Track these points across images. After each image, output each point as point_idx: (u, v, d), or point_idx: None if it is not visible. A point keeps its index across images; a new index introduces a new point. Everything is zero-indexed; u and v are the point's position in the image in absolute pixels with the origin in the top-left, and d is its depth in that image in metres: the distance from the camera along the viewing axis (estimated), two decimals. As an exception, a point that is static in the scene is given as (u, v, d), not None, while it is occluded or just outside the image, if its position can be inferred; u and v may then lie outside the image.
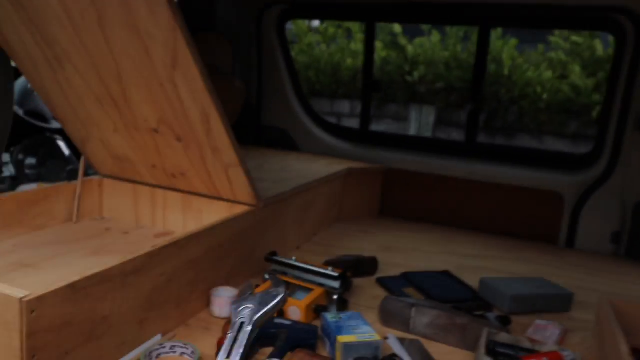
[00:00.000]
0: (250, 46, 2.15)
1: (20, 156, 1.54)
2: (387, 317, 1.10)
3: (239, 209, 1.27)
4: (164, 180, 1.35)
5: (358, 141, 2.10)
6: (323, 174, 1.69)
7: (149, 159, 1.29)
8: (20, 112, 2.08)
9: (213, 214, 1.32)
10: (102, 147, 1.33)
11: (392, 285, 1.30)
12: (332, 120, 4.00)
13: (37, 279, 1.02)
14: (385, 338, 1.03)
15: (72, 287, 0.77)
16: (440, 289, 1.28)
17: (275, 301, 0.58)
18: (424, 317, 1.06)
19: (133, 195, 1.41)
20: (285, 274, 1.20)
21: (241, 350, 0.52)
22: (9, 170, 1.63)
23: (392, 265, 1.46)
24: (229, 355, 0.53)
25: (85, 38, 1.01)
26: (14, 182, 1.52)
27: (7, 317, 0.71)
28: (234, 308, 0.59)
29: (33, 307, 0.71)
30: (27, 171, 1.56)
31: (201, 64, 0.95)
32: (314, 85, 4.51)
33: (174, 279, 1.00)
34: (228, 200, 1.30)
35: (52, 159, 1.58)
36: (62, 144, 1.62)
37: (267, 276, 1.20)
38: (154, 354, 0.90)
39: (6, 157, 1.63)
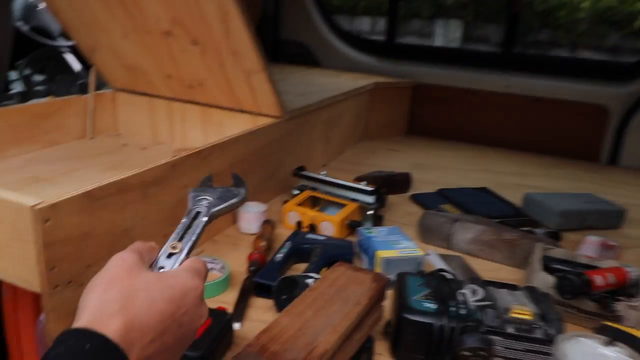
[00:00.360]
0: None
1: (27, 70, 1.45)
2: (427, 233, 1.03)
3: (263, 121, 1.17)
4: (181, 92, 1.25)
5: (384, 55, 1.95)
6: (348, 88, 1.57)
7: (164, 68, 1.18)
8: (25, 28, 1.95)
9: (235, 127, 1.23)
10: (112, 56, 1.22)
11: (428, 202, 1.22)
12: (352, 38, 3.80)
13: (54, 191, 0.94)
14: (426, 254, 0.96)
15: (89, 196, 0.69)
16: (480, 205, 1.19)
17: (235, 200, 0.53)
18: (467, 233, 0.99)
19: (149, 109, 1.32)
20: (315, 189, 1.13)
21: (193, 238, 0.48)
22: (18, 86, 1.54)
23: (426, 182, 1.38)
24: (180, 239, 0.48)
25: None
26: (24, 98, 1.43)
27: (19, 226, 0.64)
28: (192, 196, 0.54)
29: (47, 216, 0.63)
30: (36, 87, 1.46)
31: (218, -55, 0.82)
32: (332, 0, 4.25)
33: (198, 193, 0.93)
34: (250, 112, 1.20)
35: (61, 74, 1.48)
36: (70, 57, 1.51)
37: (296, 192, 1.12)
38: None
39: (14, 75, 1.53)
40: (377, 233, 0.93)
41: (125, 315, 0.36)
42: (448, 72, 1.84)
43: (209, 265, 0.86)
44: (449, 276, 0.74)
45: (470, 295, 0.69)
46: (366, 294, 0.64)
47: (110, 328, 0.35)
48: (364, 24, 4.21)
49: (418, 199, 1.25)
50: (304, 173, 1.14)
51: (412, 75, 1.88)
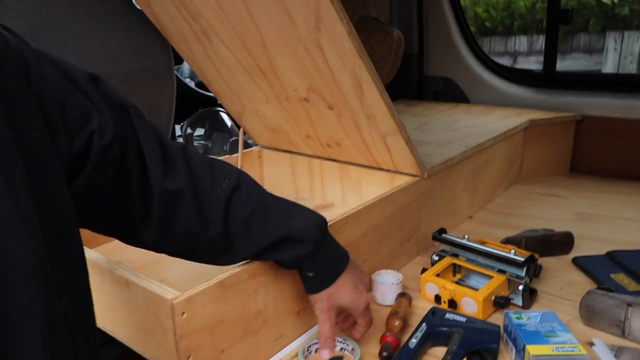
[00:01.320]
0: (407, -13, 1.92)
1: (189, 130, 1.61)
2: (592, 317, 0.87)
3: (401, 180, 1.12)
4: (320, 150, 1.26)
5: (541, 85, 1.76)
6: (499, 130, 1.44)
7: (303, 129, 1.21)
8: (192, 84, 2.19)
9: (372, 184, 1.20)
10: (257, 119, 1.29)
11: (595, 269, 1.05)
12: (507, 60, 3.52)
13: (195, 265, 1.02)
14: (591, 344, 0.81)
15: (222, 285, 0.72)
16: (666, 277, 0.99)
17: None
18: (645, 321, 0.82)
19: (290, 165, 1.36)
20: (456, 255, 1.04)
21: None
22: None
23: (593, 239, 1.19)
24: None
25: (226, 7, 0.93)
26: (185, 156, 1.58)
27: (161, 316, 0.69)
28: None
29: (183, 309, 0.67)
30: (195, 143, 1.62)
31: (348, 22, 0.81)
32: (484, 22, 4.00)
33: (332, 264, 0.91)
34: (388, 170, 1.17)
35: (217, 131, 1.62)
36: (225, 116, 1.65)
37: (435, 257, 1.05)
38: (313, 348, 0.83)
39: (178, 131, 1.72)
40: (527, 319, 0.82)
41: None
42: (622, 102, 1.59)
43: (339, 346, 0.83)
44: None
45: None
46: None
47: None
48: (520, 44, 3.89)
49: (582, 263, 1.08)
50: (445, 237, 1.06)
51: (576, 107, 1.67)
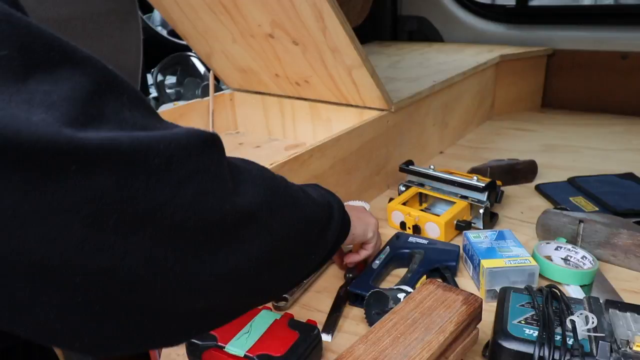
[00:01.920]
0: None
1: (160, 77, 1.60)
2: (547, 234, 0.92)
3: (369, 115, 1.14)
4: (290, 90, 1.27)
5: (514, 21, 1.76)
6: (468, 66, 1.45)
7: (271, 68, 1.21)
8: (164, 32, 2.15)
9: (342, 122, 1.22)
10: (226, 60, 1.29)
11: (556, 194, 1.09)
12: (485, -1, 3.46)
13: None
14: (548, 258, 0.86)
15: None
16: (621, 197, 1.03)
17: None
18: (596, 235, 0.86)
19: (262, 106, 1.37)
20: (422, 185, 1.07)
21: None
22: (153, 91, 1.71)
23: (556, 168, 1.23)
24: None
25: (182, -61, 0.91)
26: (157, 103, 1.59)
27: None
28: None
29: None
30: (167, 90, 1.61)
31: (302, -52, 0.80)
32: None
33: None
34: (357, 106, 1.18)
35: (189, 77, 1.61)
36: (196, 61, 1.63)
37: (402, 188, 1.08)
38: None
39: (149, 79, 1.71)
40: (484, 237, 0.86)
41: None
42: (595, 35, 1.60)
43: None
44: (561, 294, 0.66)
45: (582, 323, 0.60)
46: (453, 319, 0.60)
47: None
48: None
49: (544, 190, 1.12)
50: (412, 168, 1.09)
51: (548, 41, 1.67)
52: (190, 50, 1.79)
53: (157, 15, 2.20)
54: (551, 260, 0.84)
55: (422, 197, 1.07)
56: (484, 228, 0.97)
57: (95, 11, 1.20)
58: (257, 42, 1.14)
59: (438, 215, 0.96)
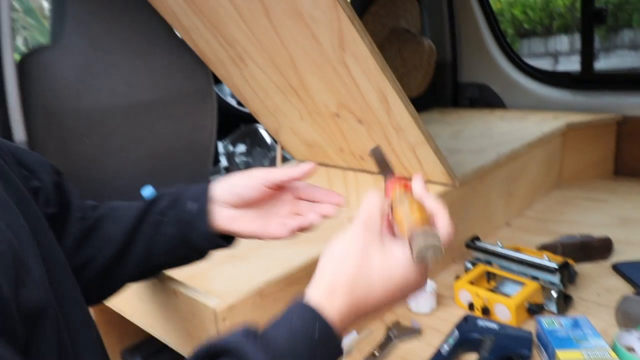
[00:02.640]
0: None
1: (230, 147, 1.69)
2: (629, 323, 0.87)
3: (432, 190, 1.15)
4: (353, 162, 1.31)
5: (579, 87, 1.74)
6: (534, 136, 1.44)
7: (336, 143, 1.26)
8: (233, 102, 2.29)
9: (406, 194, 1.23)
10: (293, 135, 1.35)
11: (636, 274, 1.03)
12: (548, 61, 3.44)
13: (242, 271, 1.08)
14: (630, 349, 0.81)
15: (260, 294, 0.77)
16: None
17: None
18: (684, 327, 0.80)
19: (327, 178, 1.41)
20: (490, 262, 1.05)
21: None
22: (223, 160, 1.81)
23: (634, 244, 1.17)
24: None
25: (257, 32, 1.00)
26: (228, 172, 1.67)
27: (205, 322, 0.75)
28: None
29: (224, 316, 0.73)
30: (236, 160, 1.70)
31: (370, 41, 0.85)
32: (522, 24, 3.93)
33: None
34: (420, 180, 1.19)
35: (257, 147, 1.70)
36: (264, 132, 1.72)
37: (469, 265, 1.06)
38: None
39: (221, 148, 1.81)
40: (558, 325, 0.82)
41: (349, 298, 0.48)
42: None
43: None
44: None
45: None
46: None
47: (336, 308, 0.47)
48: (561, 44, 3.78)
49: (622, 270, 1.06)
50: (478, 244, 1.08)
51: (617, 107, 1.63)
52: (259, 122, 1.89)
53: (226, 86, 2.34)
54: (634, 351, 0.79)
55: (489, 275, 1.05)
56: (557, 312, 0.93)
57: (176, 93, 1.31)
58: (323, 120, 1.19)
59: (508, 297, 0.93)
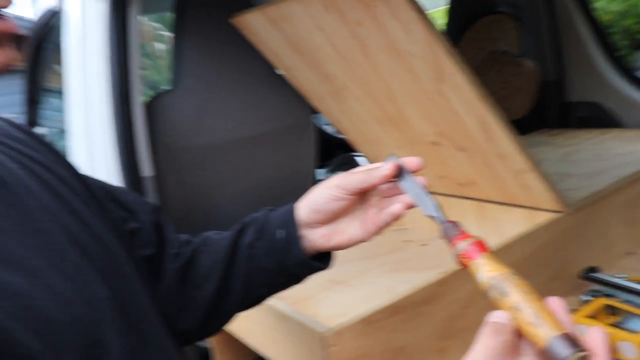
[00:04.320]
0: (538, 17, 1.87)
1: (329, 175, 1.75)
2: None
3: (542, 217, 1.09)
4: (454, 189, 1.28)
5: None
6: (657, 156, 1.32)
7: (436, 170, 1.25)
8: (330, 129, 2.36)
9: (512, 222, 1.18)
10: (392, 163, 1.36)
11: None
12: (670, 71, 3.13)
13: (347, 297, 1.10)
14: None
15: (366, 321, 0.79)
16: None
17: None
18: None
19: (427, 205, 1.40)
20: (611, 296, 0.97)
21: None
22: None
23: None
24: None
25: (355, 68, 1.03)
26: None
27: (313, 347, 0.78)
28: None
29: (333, 342, 0.75)
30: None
31: (468, 72, 0.85)
32: (635, 35, 3.62)
33: (471, 305, 0.93)
34: (528, 207, 1.14)
35: (355, 175, 1.74)
36: (361, 160, 1.75)
37: (586, 298, 0.99)
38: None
39: (322, 175, 1.88)
40: (696, 370, 0.74)
41: None
42: None
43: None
44: None
45: None
46: None
47: None
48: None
49: None
50: (596, 276, 1.00)
51: None
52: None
53: (325, 116, 2.42)
54: None
55: (611, 309, 0.97)
56: (694, 354, 0.83)
57: (279, 127, 1.39)
58: (422, 148, 1.19)
59: (634, 333, 0.85)
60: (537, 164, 0.99)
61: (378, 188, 0.65)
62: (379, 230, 0.66)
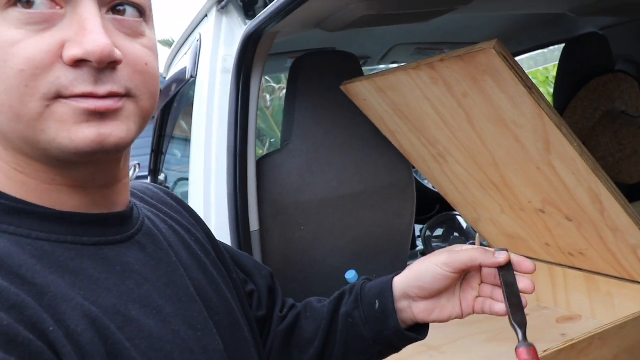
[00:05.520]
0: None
1: (428, 232, 1.73)
2: None
3: (662, 296, 1.01)
4: (561, 258, 1.23)
5: None
6: None
7: (541, 238, 1.21)
8: (430, 185, 2.35)
9: (626, 298, 1.10)
10: (493, 226, 1.34)
11: None
12: None
13: (442, 364, 1.08)
14: None
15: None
16: None
17: None
18: None
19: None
20: None
21: None
22: (420, 244, 1.86)
23: None
24: None
25: (459, 135, 1.06)
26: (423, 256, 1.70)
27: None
28: None
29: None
30: (433, 244, 1.73)
31: (579, 144, 0.84)
32: None
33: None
34: (644, 284, 1.07)
35: (455, 233, 1.71)
36: (461, 220, 1.73)
37: None
38: None
39: (417, 231, 1.87)
40: None
41: None
42: None
43: None
44: None
45: None
46: None
47: None
48: None
49: None
50: None
51: None
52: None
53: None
54: None
55: None
56: None
57: (380, 186, 1.43)
58: (526, 215, 1.17)
59: None
60: (656, 240, 0.93)
61: (482, 270, 0.66)
62: (477, 312, 0.67)
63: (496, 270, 0.64)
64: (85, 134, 0.43)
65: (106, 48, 0.42)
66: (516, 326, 0.61)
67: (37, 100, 0.42)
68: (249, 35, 1.13)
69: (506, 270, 0.63)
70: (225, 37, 1.31)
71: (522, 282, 0.63)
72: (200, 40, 1.42)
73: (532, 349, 0.58)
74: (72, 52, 0.42)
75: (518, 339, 0.60)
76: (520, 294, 0.64)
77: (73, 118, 0.43)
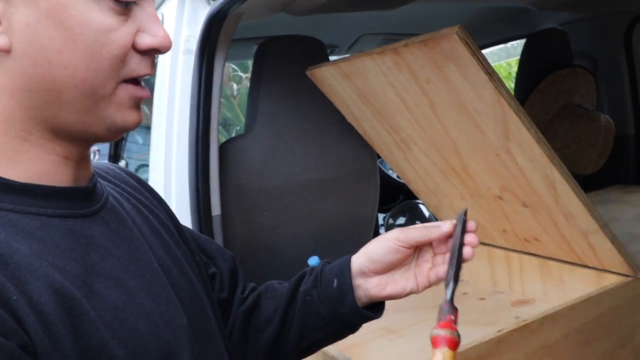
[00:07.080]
0: (620, 72, 1.83)
1: (390, 220, 1.76)
2: None
3: (610, 280, 1.06)
4: (517, 244, 1.27)
5: None
6: None
7: (499, 224, 1.24)
8: (394, 175, 2.38)
9: (577, 282, 1.15)
10: (453, 213, 1.35)
11: None
12: None
13: (401, 348, 1.10)
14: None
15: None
16: None
17: None
18: None
19: (488, 258, 1.38)
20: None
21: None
22: (383, 233, 1.89)
23: None
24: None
25: (422, 122, 1.07)
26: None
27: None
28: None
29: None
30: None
31: (535, 131, 0.86)
32: None
33: (529, 366, 0.91)
34: (594, 268, 1.11)
35: (417, 221, 1.74)
36: (423, 208, 1.76)
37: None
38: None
39: (380, 220, 1.89)
40: None
41: None
42: None
43: None
44: None
45: None
46: None
47: None
48: None
49: None
50: (668, 347, 0.95)
51: None
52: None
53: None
54: None
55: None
56: None
57: (344, 173, 1.44)
58: (485, 202, 1.19)
59: None
60: (605, 225, 0.97)
61: (433, 244, 0.69)
62: (431, 284, 0.69)
63: (447, 241, 0.67)
64: (133, 117, 0.52)
65: (170, 41, 0.51)
66: (449, 281, 0.62)
67: (114, 83, 0.49)
68: (212, 16, 1.11)
69: (456, 235, 0.66)
70: (189, 17, 1.28)
71: (467, 238, 0.66)
72: (162, 20, 1.39)
73: (448, 318, 0.57)
74: (148, 41, 0.50)
75: (445, 299, 0.60)
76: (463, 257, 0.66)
77: (128, 102, 0.51)
